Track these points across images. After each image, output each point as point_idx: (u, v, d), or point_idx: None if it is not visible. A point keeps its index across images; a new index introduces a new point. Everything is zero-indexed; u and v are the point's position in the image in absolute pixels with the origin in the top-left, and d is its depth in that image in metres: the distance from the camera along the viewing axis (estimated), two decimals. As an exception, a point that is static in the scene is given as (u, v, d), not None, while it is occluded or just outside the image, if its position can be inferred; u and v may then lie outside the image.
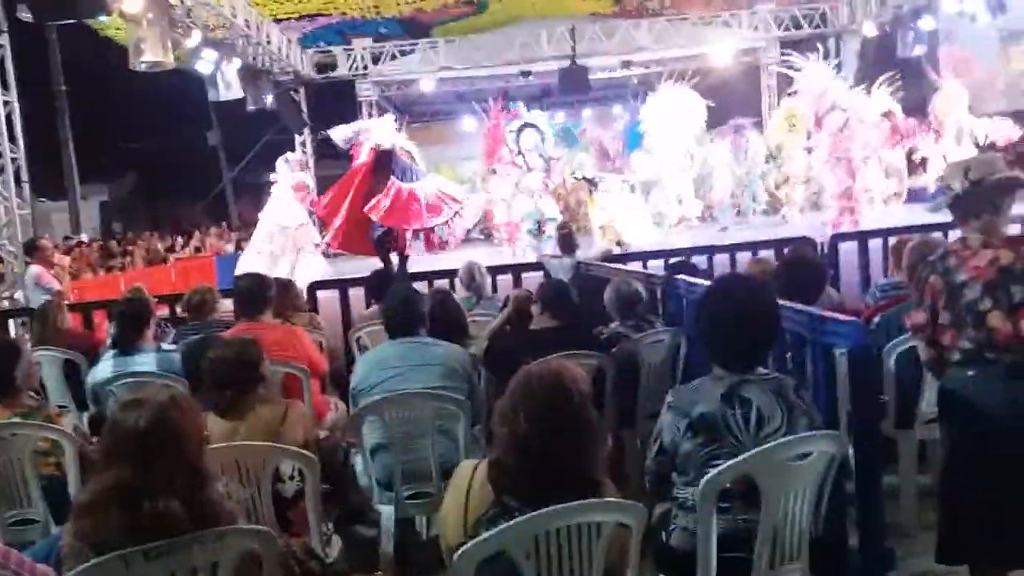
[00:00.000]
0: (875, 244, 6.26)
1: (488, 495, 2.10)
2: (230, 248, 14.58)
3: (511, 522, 1.93)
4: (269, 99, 13.14)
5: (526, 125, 11.08)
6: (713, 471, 2.27)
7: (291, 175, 10.67)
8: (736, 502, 2.32)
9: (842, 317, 2.73)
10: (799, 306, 2.89)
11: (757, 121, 15.26)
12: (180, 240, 14.89)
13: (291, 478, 2.93)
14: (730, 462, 2.27)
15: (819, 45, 12.25)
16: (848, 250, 6.32)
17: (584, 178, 11.57)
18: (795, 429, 2.32)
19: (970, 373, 2.55)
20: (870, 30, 14.21)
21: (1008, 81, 15.91)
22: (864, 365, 2.65)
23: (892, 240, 5.21)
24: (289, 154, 11.35)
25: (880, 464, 2.90)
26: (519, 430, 1.99)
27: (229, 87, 12.12)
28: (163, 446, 1.98)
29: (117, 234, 16.56)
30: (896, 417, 3.56)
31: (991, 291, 2.52)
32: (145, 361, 4.07)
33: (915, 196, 11.78)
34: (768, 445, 2.27)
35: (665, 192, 10.70)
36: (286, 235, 10.19)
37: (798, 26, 15.83)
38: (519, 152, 10.98)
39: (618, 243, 9.66)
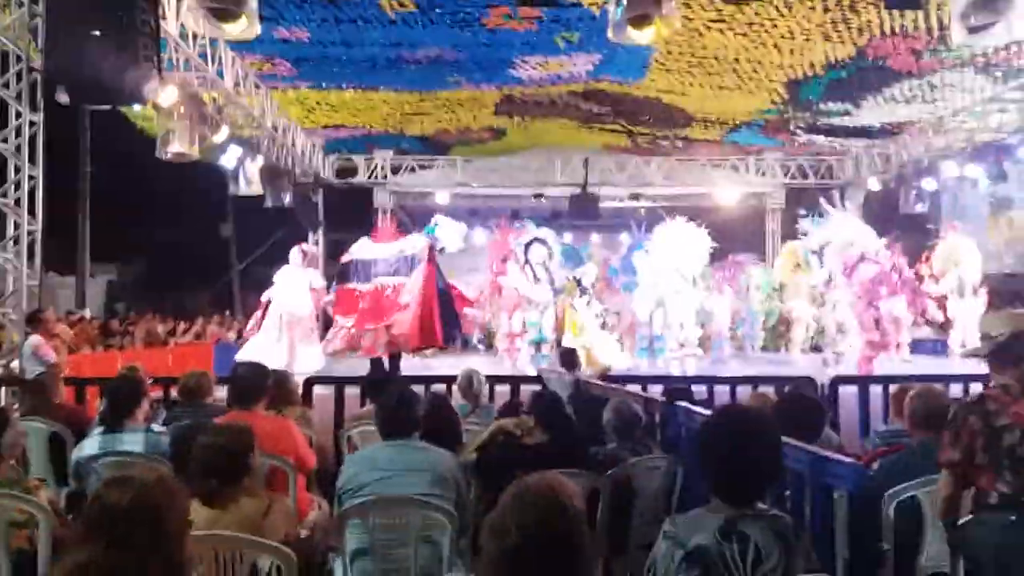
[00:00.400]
0: (876, 390, 6.24)
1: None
2: (231, 336, 14.56)
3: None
4: (287, 198, 13.44)
5: (535, 240, 11.24)
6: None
7: (302, 266, 10.82)
8: (729, 642, 2.22)
9: (844, 459, 2.70)
10: (799, 444, 2.86)
11: (761, 258, 15.55)
12: (182, 325, 14.87)
13: (268, 574, 2.83)
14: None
15: (821, 197, 12.64)
16: (848, 394, 6.30)
17: (576, 279, 11.53)
18: (793, 570, 2.25)
19: (1012, 518, 2.55)
20: (874, 185, 14.68)
21: (990, 249, 16.46)
22: (865, 509, 2.60)
23: (893, 388, 5.22)
24: (305, 244, 11.53)
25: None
26: (509, 543, 1.92)
27: (250, 183, 12.46)
28: (144, 527, 1.91)
29: (120, 314, 16.56)
30: (895, 570, 3.45)
31: None
32: (133, 440, 4.00)
33: (917, 347, 11.86)
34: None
35: (666, 317, 10.71)
36: (295, 321, 10.26)
37: (804, 175, 16.38)
38: (527, 262, 11.08)
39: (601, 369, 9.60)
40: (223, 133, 10.97)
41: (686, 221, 11.39)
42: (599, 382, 6.04)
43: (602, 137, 14.93)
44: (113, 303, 18.37)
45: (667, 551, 2.31)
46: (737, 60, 9.56)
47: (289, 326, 10.30)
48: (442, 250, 9.86)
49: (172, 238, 21.04)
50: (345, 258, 9.80)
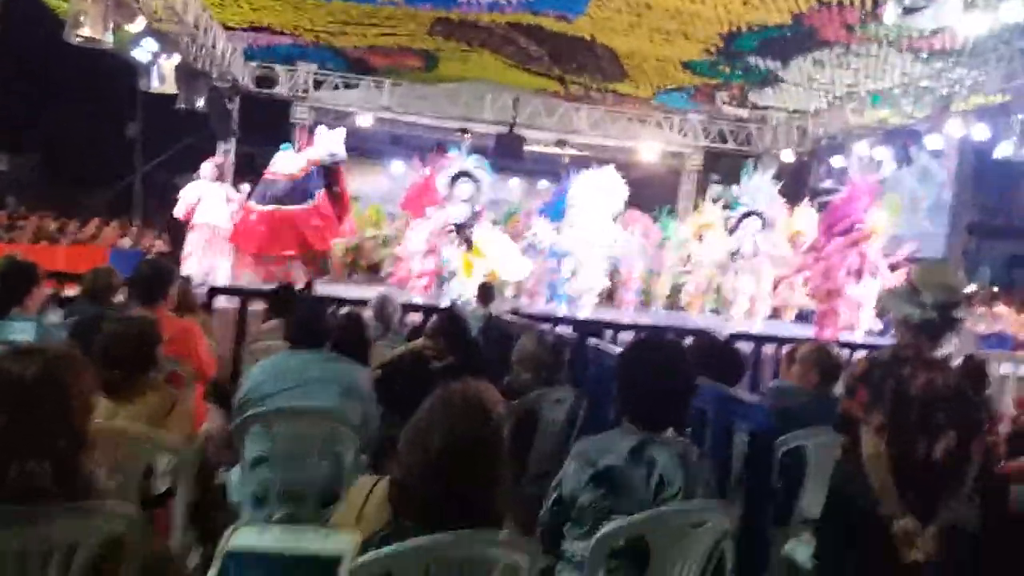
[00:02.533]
0: (768, 349, 6.53)
1: (384, 515, 2.02)
2: (127, 243, 13.91)
3: (406, 543, 1.86)
4: (201, 101, 12.79)
5: (462, 174, 10.79)
6: (608, 526, 2.27)
7: (212, 180, 10.55)
8: (624, 562, 2.31)
9: (748, 398, 2.81)
10: (708, 381, 2.96)
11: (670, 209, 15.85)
12: (74, 224, 14.10)
13: (164, 475, 2.76)
14: (624, 521, 2.27)
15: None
16: (742, 349, 6.55)
17: (456, 226, 10.86)
18: (692, 496, 2.35)
19: None
20: (788, 157, 15.13)
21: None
22: (762, 449, 2.72)
23: (786, 347, 5.47)
24: (216, 157, 11.07)
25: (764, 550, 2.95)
26: (431, 447, 1.92)
27: (163, 80, 11.77)
28: (48, 401, 1.81)
29: (9, 207, 15.53)
30: (775, 513, 3.66)
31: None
32: (23, 329, 3.76)
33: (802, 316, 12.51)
34: (667, 508, 2.28)
35: (577, 263, 10.77)
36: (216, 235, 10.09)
37: (724, 140, 16.72)
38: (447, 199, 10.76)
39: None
40: (139, 23, 10.29)
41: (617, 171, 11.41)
42: (511, 317, 6.08)
43: (534, 81, 14.77)
44: (3, 195, 17.18)
45: (576, 470, 2.37)
46: (679, 11, 9.59)
47: (214, 242, 10.18)
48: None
49: (73, 132, 19.76)
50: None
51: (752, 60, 10.73)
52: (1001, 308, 12.82)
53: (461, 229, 10.60)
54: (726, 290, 12.02)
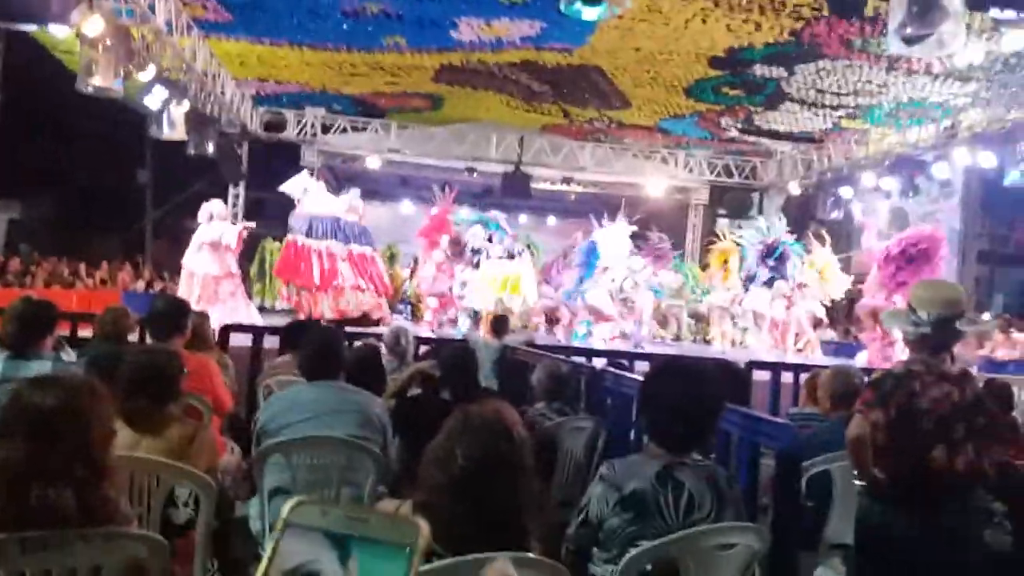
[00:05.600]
0: (787, 377, 6.48)
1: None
2: (139, 286, 13.99)
3: (432, 565, 1.83)
4: (211, 147, 12.95)
5: (478, 221, 11.06)
6: (636, 550, 2.23)
7: (208, 226, 10.63)
8: (654, 585, 2.26)
9: (775, 419, 2.78)
10: (732, 405, 2.93)
11: (680, 254, 15.86)
12: (88, 269, 14.20)
13: (185, 505, 2.73)
14: (654, 542, 2.23)
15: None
16: (760, 378, 6.51)
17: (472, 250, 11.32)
18: (723, 519, 2.31)
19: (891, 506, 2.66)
20: (794, 189, 15.18)
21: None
22: (789, 470, 2.68)
23: (804, 375, 5.42)
24: (216, 203, 11.15)
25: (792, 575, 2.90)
26: (454, 469, 1.90)
27: (173, 127, 11.93)
28: (68, 428, 1.81)
29: (22, 253, 15.67)
30: (802, 537, 3.59)
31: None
32: (41, 368, 3.75)
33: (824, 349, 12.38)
34: (695, 529, 2.24)
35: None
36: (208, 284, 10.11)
37: (730, 174, 16.80)
38: (467, 247, 10.97)
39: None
40: (149, 72, 10.47)
41: (624, 214, 11.60)
42: (526, 348, 6.06)
43: (540, 118, 14.93)
44: (16, 242, 17.32)
45: (603, 493, 2.33)
46: (678, 31, 9.69)
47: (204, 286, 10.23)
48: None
49: (85, 180, 20.02)
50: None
51: (757, 71, 10.76)
52: (1018, 335, 12.72)
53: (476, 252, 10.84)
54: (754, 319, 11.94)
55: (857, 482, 2.75)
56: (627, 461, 2.42)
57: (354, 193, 11.62)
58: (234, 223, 11.81)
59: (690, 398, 2.37)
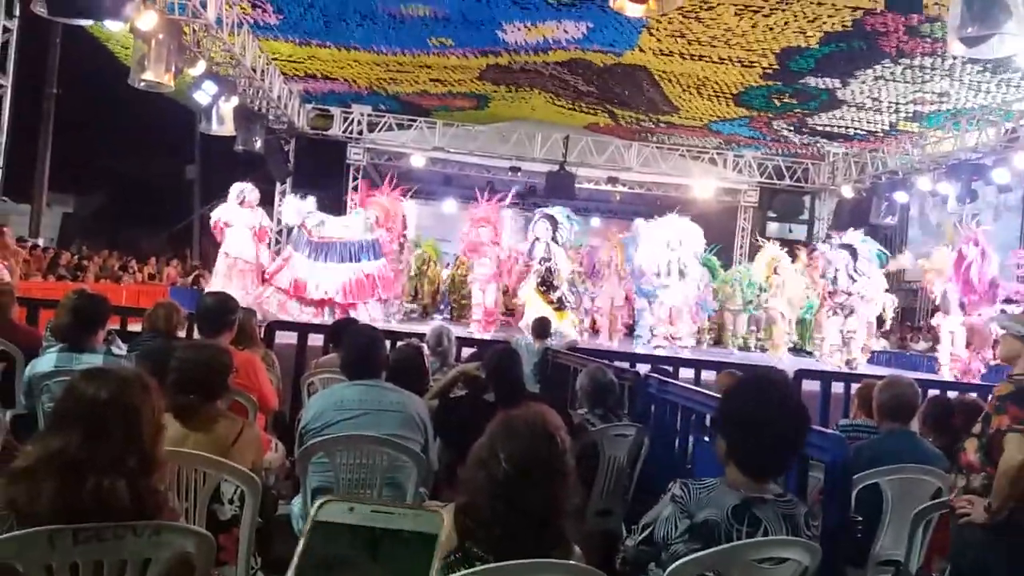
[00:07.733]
0: (837, 387, 6.34)
1: (450, 542, 1.97)
2: (187, 281, 14.25)
3: (475, 569, 1.81)
4: (258, 143, 13.14)
5: (544, 216, 10.88)
6: (679, 562, 2.17)
7: (239, 209, 10.69)
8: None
9: (825, 430, 2.70)
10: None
11: (729, 255, 15.65)
12: (135, 264, 14.50)
13: (230, 501, 2.75)
14: (699, 554, 2.17)
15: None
16: (810, 388, 6.37)
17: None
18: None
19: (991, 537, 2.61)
20: (847, 193, 14.85)
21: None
22: (841, 482, 2.60)
23: (855, 385, 5.28)
24: (248, 186, 10.90)
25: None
26: (497, 473, 1.89)
27: (222, 123, 12.13)
28: (120, 420, 1.83)
29: (75, 247, 16.08)
30: (852, 552, 3.49)
31: None
32: (92, 361, 3.81)
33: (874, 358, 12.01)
34: (742, 543, 2.18)
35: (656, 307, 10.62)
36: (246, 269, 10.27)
37: (780, 176, 16.50)
38: (533, 244, 10.84)
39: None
40: (200, 67, 10.69)
41: (677, 213, 11.33)
42: (567, 351, 6.02)
43: (585, 117, 14.85)
44: (69, 236, 17.79)
45: (672, 515, 2.24)
46: (730, 29, 9.49)
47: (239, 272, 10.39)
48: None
49: (135, 174, 20.48)
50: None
51: (811, 81, 10.52)
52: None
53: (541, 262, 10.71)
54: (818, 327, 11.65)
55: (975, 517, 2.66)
56: (703, 486, 2.30)
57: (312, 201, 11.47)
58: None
59: (775, 419, 2.24)
